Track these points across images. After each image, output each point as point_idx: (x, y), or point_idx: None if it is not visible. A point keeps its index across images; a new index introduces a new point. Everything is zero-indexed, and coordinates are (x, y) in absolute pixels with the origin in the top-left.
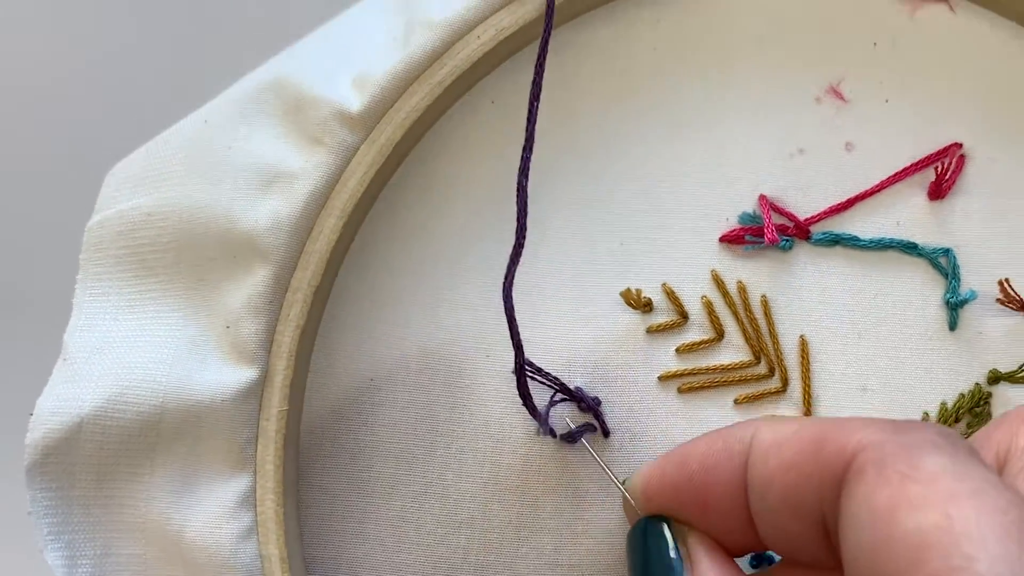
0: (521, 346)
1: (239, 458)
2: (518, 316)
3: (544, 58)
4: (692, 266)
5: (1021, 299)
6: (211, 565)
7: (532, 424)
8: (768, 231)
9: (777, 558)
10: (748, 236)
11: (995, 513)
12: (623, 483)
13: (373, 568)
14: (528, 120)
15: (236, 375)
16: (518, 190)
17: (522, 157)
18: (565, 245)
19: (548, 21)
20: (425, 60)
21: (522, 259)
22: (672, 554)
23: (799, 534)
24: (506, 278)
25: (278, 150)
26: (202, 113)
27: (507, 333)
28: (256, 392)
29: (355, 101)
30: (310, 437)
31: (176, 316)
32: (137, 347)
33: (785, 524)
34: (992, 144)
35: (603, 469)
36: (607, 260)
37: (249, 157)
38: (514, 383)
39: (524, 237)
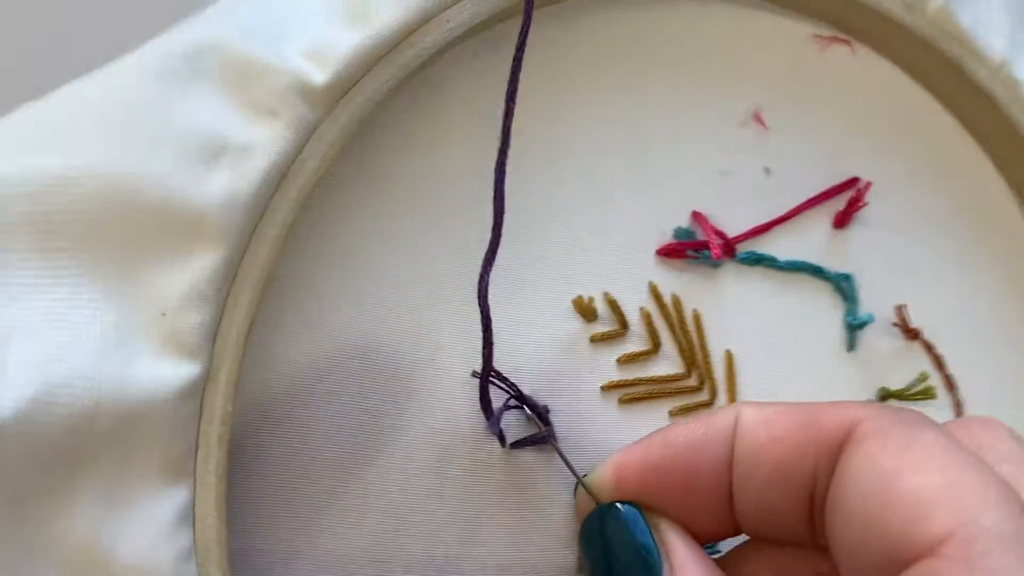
0: (491, 352)
1: (177, 468)
2: (460, 322)
3: (522, 52)
4: (632, 277)
5: (912, 328)
6: None
7: (480, 431)
8: (714, 247)
9: None
10: (690, 251)
11: (991, 481)
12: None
13: None
14: (504, 118)
15: (175, 370)
16: (495, 193)
17: (499, 151)
18: (509, 250)
19: (527, 19)
20: (394, 38)
21: (464, 264)
22: (646, 539)
23: (782, 508)
24: (481, 280)
25: (223, 118)
26: (119, 69)
27: (456, 333)
28: (197, 391)
29: (317, 74)
30: (235, 442)
31: (95, 298)
32: (52, 334)
33: (770, 497)
34: (889, 180)
35: (567, 465)
36: (551, 267)
37: (190, 123)
38: (463, 387)
39: (500, 236)
